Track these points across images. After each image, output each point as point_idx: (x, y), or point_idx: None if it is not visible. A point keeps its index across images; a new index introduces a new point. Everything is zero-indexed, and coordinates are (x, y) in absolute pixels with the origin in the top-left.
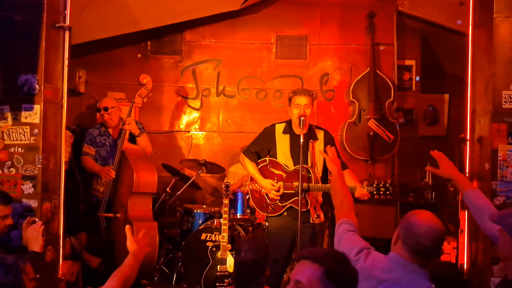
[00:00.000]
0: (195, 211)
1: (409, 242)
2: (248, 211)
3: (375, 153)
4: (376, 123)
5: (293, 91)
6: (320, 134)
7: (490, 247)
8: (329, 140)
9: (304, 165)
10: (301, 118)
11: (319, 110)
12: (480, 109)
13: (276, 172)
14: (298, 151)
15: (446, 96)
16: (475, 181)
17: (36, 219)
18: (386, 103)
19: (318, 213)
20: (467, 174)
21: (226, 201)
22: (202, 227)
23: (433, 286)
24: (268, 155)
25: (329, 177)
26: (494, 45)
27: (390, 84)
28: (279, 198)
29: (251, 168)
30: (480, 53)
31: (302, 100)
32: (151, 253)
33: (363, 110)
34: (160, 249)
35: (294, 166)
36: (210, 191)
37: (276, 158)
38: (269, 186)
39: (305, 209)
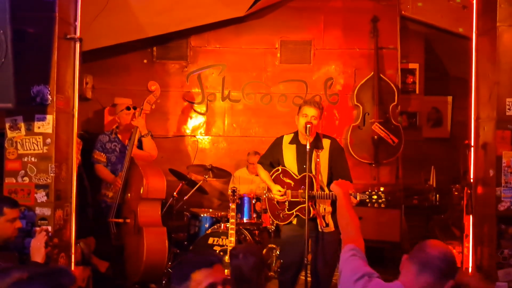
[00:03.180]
0: (202, 215)
1: (417, 255)
2: (255, 215)
3: (380, 156)
4: (380, 126)
5: (304, 101)
6: (326, 143)
7: (495, 252)
8: (334, 149)
9: (309, 174)
10: (308, 126)
11: (323, 114)
12: (484, 116)
13: (286, 180)
14: (303, 160)
15: (450, 98)
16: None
17: (49, 228)
18: (390, 107)
19: (327, 222)
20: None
21: (233, 206)
22: (209, 231)
23: None
24: (279, 165)
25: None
26: (497, 53)
27: (394, 87)
28: (286, 200)
29: (264, 176)
30: (484, 60)
31: (310, 111)
32: (160, 257)
33: (367, 113)
34: (168, 253)
35: (299, 174)
36: (216, 195)
37: (284, 165)
38: (274, 191)
39: (309, 217)
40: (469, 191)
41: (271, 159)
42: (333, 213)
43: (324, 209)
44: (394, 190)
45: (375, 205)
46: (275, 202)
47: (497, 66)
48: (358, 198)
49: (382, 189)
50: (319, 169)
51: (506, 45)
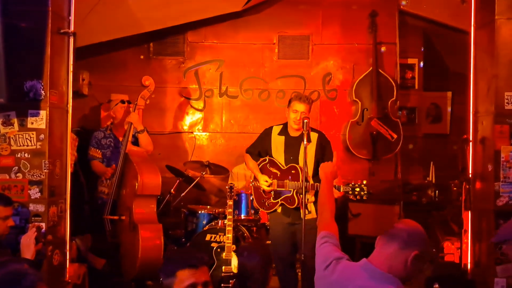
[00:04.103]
0: (199, 212)
1: (387, 230)
2: (252, 211)
3: (378, 152)
4: (379, 122)
5: (293, 96)
6: (314, 137)
7: (493, 248)
8: (321, 143)
9: (295, 165)
10: (305, 121)
11: (322, 109)
12: (482, 110)
13: (273, 170)
14: (290, 151)
15: (449, 94)
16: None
17: (43, 225)
18: (389, 102)
19: (309, 210)
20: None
21: (230, 202)
22: (206, 228)
23: (437, 285)
24: (267, 155)
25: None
26: (496, 47)
27: (393, 83)
28: (271, 190)
29: (251, 165)
30: (482, 54)
31: (300, 107)
32: (156, 254)
33: (366, 109)
34: (165, 250)
35: (286, 165)
36: (214, 191)
37: (272, 155)
38: (261, 181)
39: (293, 206)
40: (467, 187)
41: (259, 149)
42: (315, 202)
43: (307, 199)
44: (393, 186)
45: (357, 197)
46: (261, 191)
47: (495, 59)
48: (341, 190)
49: (364, 182)
50: (305, 158)
51: (505, 38)
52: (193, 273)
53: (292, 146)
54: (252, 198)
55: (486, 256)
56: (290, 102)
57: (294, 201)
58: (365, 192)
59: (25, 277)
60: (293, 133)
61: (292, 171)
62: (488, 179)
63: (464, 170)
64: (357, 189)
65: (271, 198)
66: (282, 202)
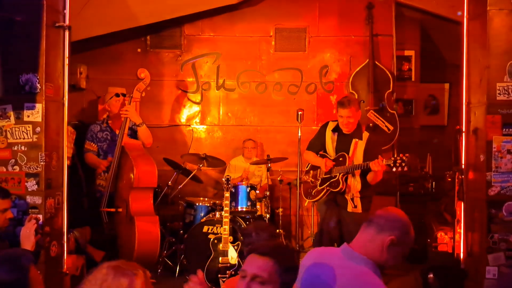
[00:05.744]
0: (197, 204)
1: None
2: (249, 203)
3: None
4: (376, 114)
5: (338, 102)
6: (366, 136)
7: (485, 237)
8: (371, 142)
9: (344, 153)
10: (299, 113)
11: (319, 102)
12: (475, 101)
13: None
14: (341, 146)
15: (447, 86)
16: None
17: (40, 217)
18: (386, 94)
19: (355, 204)
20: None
21: (227, 194)
22: (204, 219)
23: (431, 275)
24: (323, 148)
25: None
26: (488, 38)
27: (389, 75)
28: (319, 178)
29: (312, 157)
30: (475, 45)
31: (344, 112)
32: (152, 246)
33: (362, 101)
34: (163, 242)
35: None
36: (211, 184)
37: (326, 151)
38: (322, 164)
39: (337, 189)
40: (460, 177)
41: (317, 142)
42: (362, 198)
43: (353, 194)
44: (390, 177)
45: (399, 168)
46: (309, 181)
47: (487, 50)
48: (384, 163)
49: (407, 155)
50: (355, 152)
51: (496, 29)
52: None
53: (343, 142)
54: (246, 192)
55: (478, 245)
56: (337, 108)
57: (338, 184)
58: (405, 162)
59: (22, 257)
60: (345, 131)
61: (340, 159)
62: (480, 169)
63: (457, 160)
64: (399, 161)
65: (318, 185)
66: (328, 188)
